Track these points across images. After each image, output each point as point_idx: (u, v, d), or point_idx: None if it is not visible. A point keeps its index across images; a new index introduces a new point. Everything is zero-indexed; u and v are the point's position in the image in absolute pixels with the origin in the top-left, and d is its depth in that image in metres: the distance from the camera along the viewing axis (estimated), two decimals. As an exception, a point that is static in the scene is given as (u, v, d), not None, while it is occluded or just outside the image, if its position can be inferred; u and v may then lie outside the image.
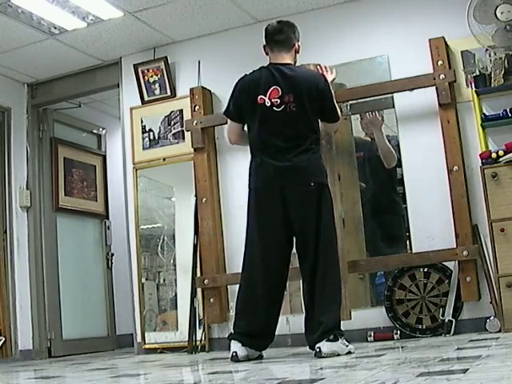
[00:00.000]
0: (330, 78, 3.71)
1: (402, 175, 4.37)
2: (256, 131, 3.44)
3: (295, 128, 3.38)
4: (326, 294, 3.30)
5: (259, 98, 3.40)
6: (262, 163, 3.40)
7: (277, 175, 3.35)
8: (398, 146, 4.41)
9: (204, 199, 4.64)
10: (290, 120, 3.37)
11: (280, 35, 3.50)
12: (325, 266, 3.32)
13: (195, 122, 4.71)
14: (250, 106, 3.45)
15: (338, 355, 3.15)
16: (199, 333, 4.57)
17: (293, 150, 3.35)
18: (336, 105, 3.56)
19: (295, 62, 3.57)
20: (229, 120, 3.64)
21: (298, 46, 3.56)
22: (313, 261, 3.33)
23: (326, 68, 3.83)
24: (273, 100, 3.37)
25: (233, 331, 3.44)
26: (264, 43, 3.57)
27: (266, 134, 3.40)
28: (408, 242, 4.33)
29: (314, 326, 3.26)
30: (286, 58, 3.50)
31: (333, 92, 3.56)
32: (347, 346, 3.25)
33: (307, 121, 3.41)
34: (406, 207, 4.34)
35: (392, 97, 4.38)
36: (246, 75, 3.55)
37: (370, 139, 4.78)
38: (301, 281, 3.45)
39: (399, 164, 4.43)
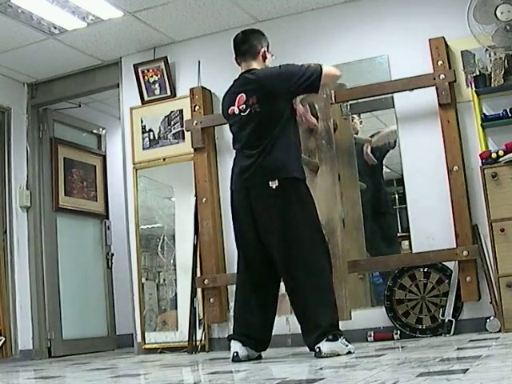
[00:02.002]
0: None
1: (402, 175, 4.36)
2: (234, 139, 3.57)
3: (260, 127, 3.40)
4: (316, 296, 3.25)
5: (230, 109, 3.51)
6: (236, 165, 3.50)
7: (244, 176, 3.41)
8: (399, 146, 4.41)
9: (204, 199, 4.64)
10: (255, 121, 3.41)
11: (243, 45, 3.56)
12: (306, 268, 3.27)
13: (195, 122, 4.71)
14: (228, 119, 3.59)
15: (338, 355, 3.14)
16: (199, 333, 4.57)
17: (259, 150, 3.37)
18: (307, 70, 3.40)
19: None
20: None
21: (265, 52, 3.57)
22: (288, 265, 3.30)
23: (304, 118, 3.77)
24: (240, 107, 3.46)
25: (232, 331, 3.45)
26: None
27: (239, 140, 3.50)
28: (408, 241, 4.34)
29: (311, 328, 3.23)
30: (254, 65, 3.54)
31: (288, 64, 3.45)
32: (347, 345, 3.24)
33: (273, 118, 3.40)
34: (406, 207, 4.34)
35: (392, 97, 4.38)
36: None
37: (370, 139, 4.79)
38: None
39: (399, 164, 4.43)
